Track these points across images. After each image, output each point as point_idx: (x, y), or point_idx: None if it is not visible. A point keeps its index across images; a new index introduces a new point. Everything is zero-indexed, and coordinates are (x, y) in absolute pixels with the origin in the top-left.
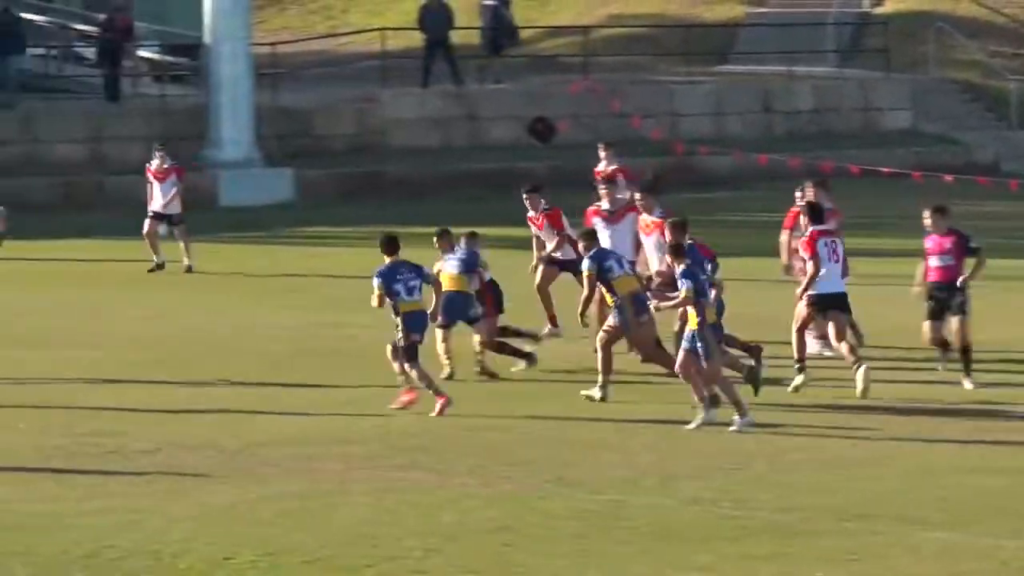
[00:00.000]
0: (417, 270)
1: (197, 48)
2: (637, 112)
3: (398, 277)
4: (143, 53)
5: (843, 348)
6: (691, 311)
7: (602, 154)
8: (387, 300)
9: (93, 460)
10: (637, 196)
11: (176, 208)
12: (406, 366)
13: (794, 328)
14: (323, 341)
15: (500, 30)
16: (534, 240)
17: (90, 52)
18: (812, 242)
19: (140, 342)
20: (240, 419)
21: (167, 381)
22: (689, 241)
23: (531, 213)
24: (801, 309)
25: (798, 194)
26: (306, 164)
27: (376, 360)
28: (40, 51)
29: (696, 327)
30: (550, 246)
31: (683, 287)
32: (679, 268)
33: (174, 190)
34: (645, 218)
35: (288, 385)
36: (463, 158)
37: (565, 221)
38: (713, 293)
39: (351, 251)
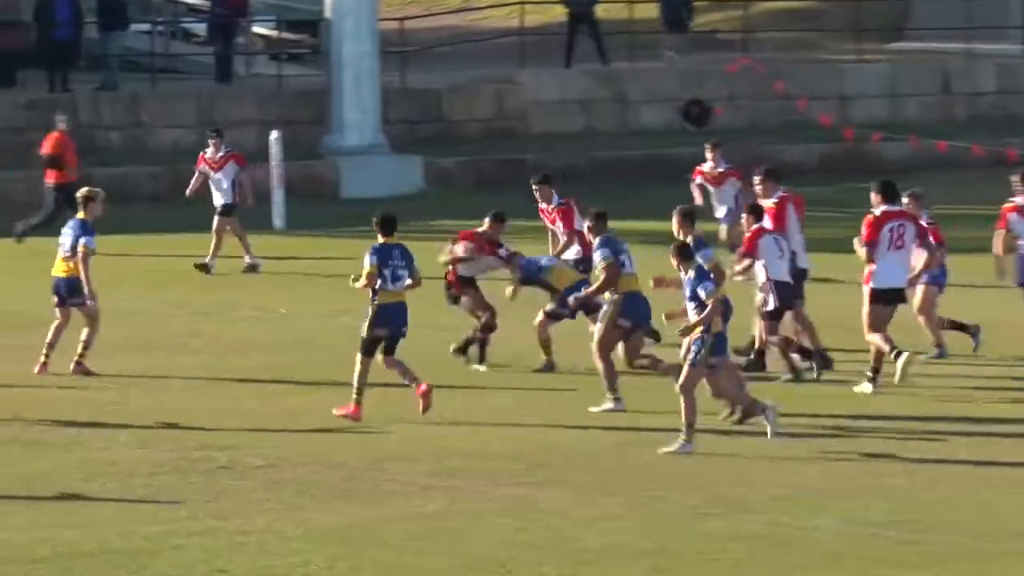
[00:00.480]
0: (408, 259)
1: (317, 24)
2: (802, 94)
3: (389, 261)
4: (258, 29)
5: (878, 339)
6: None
7: (708, 155)
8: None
9: (202, 476)
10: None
11: (230, 198)
12: (357, 358)
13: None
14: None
15: (681, 2)
16: (549, 236)
17: (200, 28)
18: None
19: (254, 346)
20: (367, 431)
21: (286, 380)
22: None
23: (543, 205)
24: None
25: (1016, 183)
26: (437, 151)
27: (521, 367)
28: (145, 27)
29: (701, 335)
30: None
31: (705, 294)
32: (687, 274)
33: (241, 179)
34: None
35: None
36: (610, 144)
37: (578, 218)
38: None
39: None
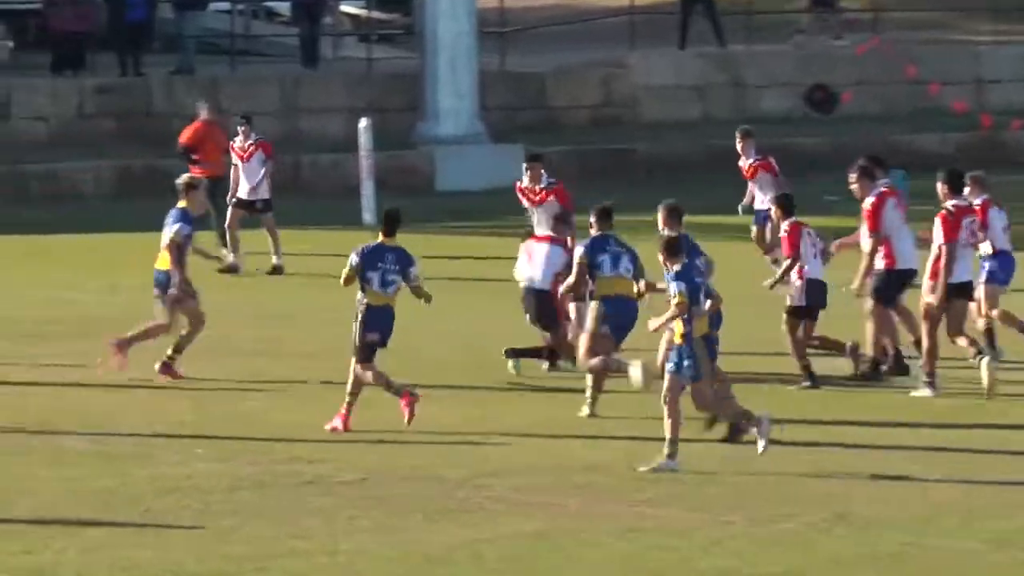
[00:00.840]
0: (404, 263)
1: (410, 2)
2: (935, 79)
3: (379, 264)
4: (346, 8)
5: (962, 342)
6: (677, 321)
7: (739, 145)
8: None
9: (286, 492)
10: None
11: (264, 193)
12: (357, 368)
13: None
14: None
15: None
16: (535, 217)
17: (284, 7)
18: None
19: (341, 352)
20: (465, 443)
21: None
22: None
23: (526, 183)
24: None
25: None
26: (538, 140)
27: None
28: (225, 6)
29: (683, 340)
30: (542, 227)
31: (674, 291)
32: (672, 268)
33: (263, 171)
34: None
35: (525, 401)
36: (726, 133)
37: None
38: (708, 303)
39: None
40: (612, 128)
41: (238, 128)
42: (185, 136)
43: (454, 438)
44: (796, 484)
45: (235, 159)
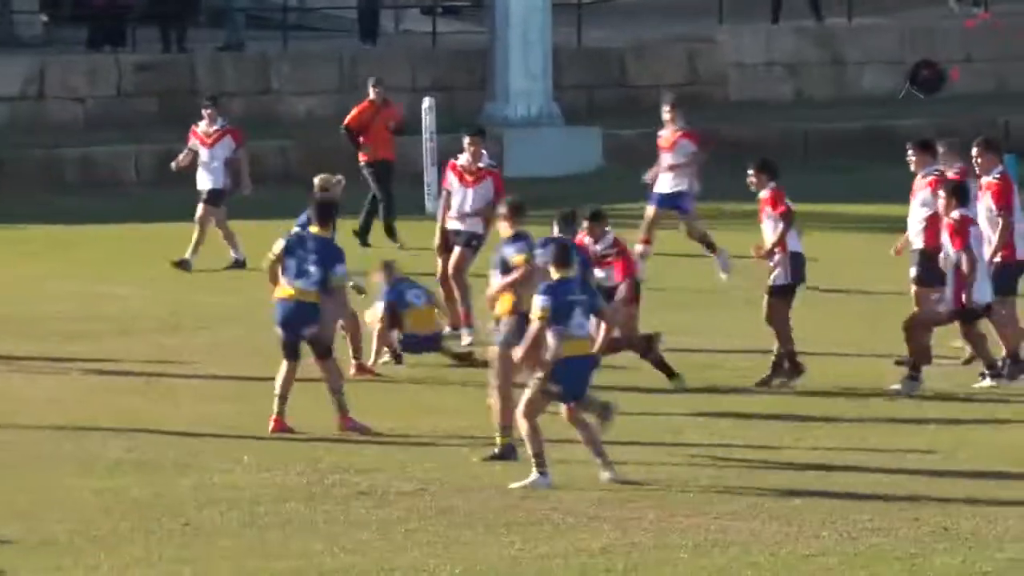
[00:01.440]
0: (328, 256)
1: None
2: None
3: (298, 251)
4: None
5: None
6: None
7: (666, 116)
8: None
9: (338, 503)
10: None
11: (218, 183)
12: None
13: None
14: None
15: None
16: (444, 198)
17: None
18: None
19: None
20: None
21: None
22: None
23: (463, 161)
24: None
25: None
26: (618, 122)
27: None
28: None
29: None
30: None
31: (538, 306)
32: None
33: (228, 157)
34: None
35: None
36: (824, 114)
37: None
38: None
39: (675, 233)
40: (699, 109)
41: (203, 111)
42: (350, 117)
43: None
44: (885, 495)
45: (196, 144)
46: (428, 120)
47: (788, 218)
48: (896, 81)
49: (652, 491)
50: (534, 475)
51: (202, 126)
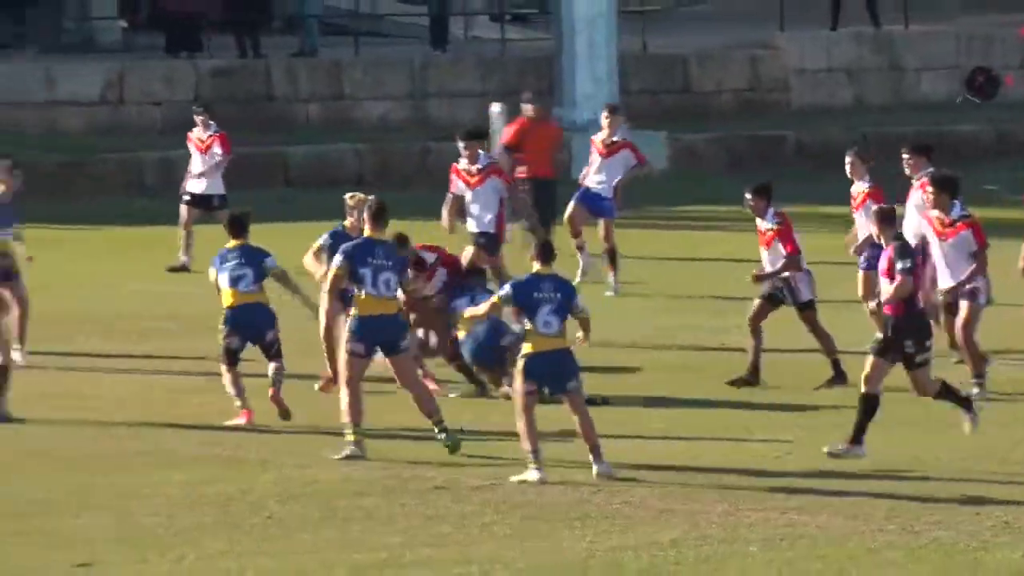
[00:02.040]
0: (251, 259)
1: None
2: None
3: (223, 264)
4: None
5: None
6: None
7: (604, 121)
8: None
9: (416, 497)
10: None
11: (218, 188)
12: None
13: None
14: (706, 350)
15: None
16: (450, 200)
17: None
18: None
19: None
20: (606, 445)
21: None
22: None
23: (463, 164)
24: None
25: None
26: (682, 127)
27: (779, 375)
28: None
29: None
30: (479, 214)
31: (500, 291)
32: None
33: (215, 164)
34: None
35: (670, 403)
36: (882, 119)
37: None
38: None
39: (739, 236)
40: (760, 114)
41: (195, 117)
42: (508, 135)
43: (581, 440)
44: (952, 490)
45: (191, 149)
46: (498, 125)
47: (795, 257)
48: (953, 87)
49: (720, 486)
50: (531, 471)
51: (196, 132)
